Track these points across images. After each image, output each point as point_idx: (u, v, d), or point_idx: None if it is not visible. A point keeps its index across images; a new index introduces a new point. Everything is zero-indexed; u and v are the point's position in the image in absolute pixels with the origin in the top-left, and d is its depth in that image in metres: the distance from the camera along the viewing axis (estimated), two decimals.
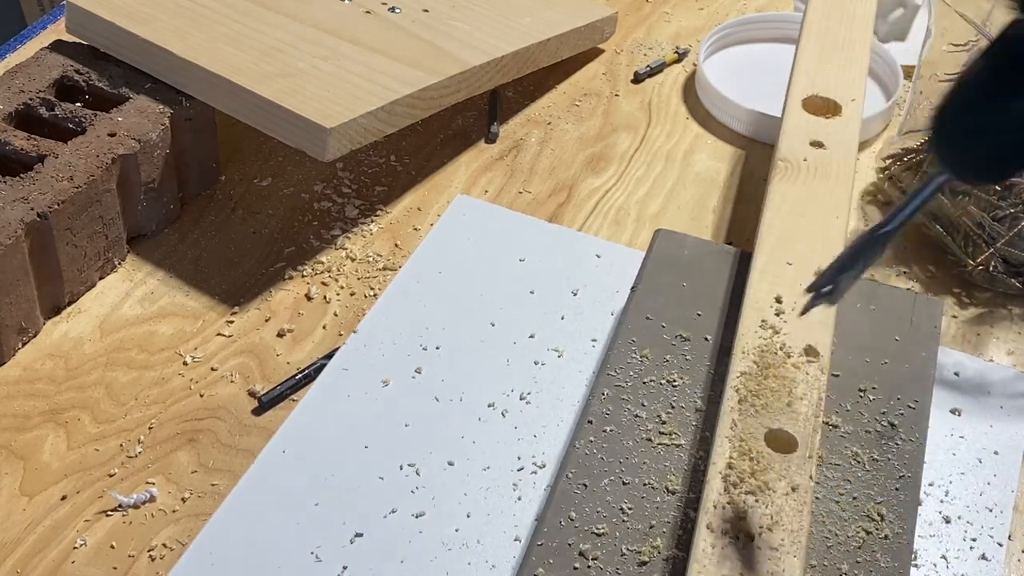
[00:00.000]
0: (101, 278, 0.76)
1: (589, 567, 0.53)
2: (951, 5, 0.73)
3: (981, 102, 0.42)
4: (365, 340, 0.70)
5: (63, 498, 0.62)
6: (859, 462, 0.58)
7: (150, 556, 0.60)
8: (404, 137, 0.88)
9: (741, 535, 0.50)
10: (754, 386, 0.56)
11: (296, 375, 0.69)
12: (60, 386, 0.69)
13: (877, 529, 0.55)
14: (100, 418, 0.67)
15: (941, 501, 0.61)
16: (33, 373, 0.69)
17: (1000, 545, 0.59)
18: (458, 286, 0.74)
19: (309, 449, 0.64)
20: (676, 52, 0.98)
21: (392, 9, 0.88)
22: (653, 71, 0.96)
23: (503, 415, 0.66)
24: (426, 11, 0.89)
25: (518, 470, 0.63)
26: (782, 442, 0.54)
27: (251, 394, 0.68)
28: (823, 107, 0.74)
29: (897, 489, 0.57)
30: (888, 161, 0.83)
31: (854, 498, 0.56)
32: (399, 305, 0.73)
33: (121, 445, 0.65)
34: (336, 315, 0.73)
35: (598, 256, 0.77)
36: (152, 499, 0.62)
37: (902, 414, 0.60)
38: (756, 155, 0.88)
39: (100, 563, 0.59)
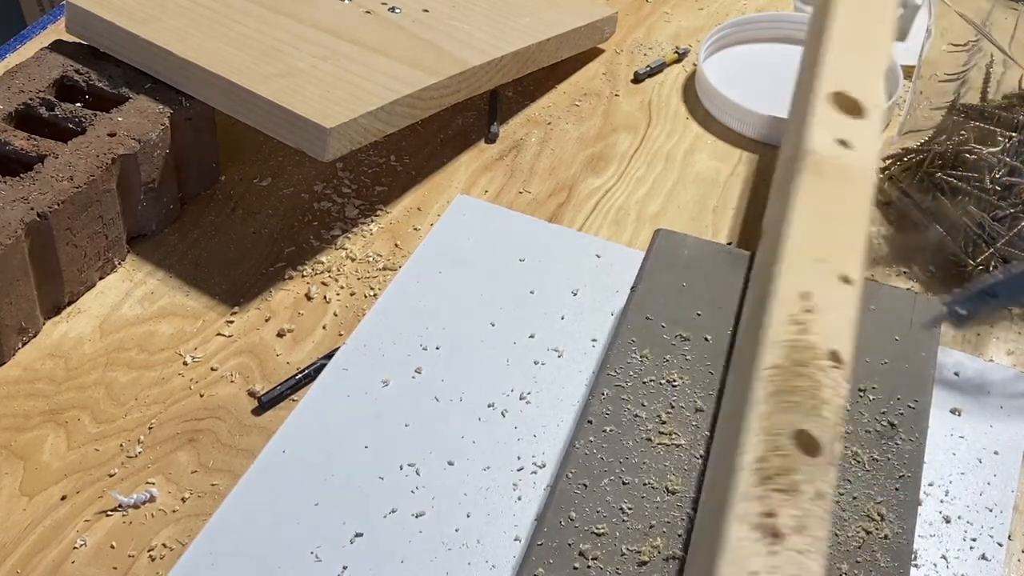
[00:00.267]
0: (101, 278, 0.76)
1: (589, 567, 0.53)
2: (951, 5, 0.73)
3: None
4: (365, 340, 0.70)
5: (63, 498, 0.62)
6: (859, 462, 0.58)
7: (150, 556, 0.60)
8: (404, 137, 0.88)
9: (768, 533, 0.49)
10: (783, 382, 0.54)
11: (296, 375, 0.69)
12: (60, 386, 0.69)
13: (877, 529, 0.55)
14: (100, 418, 0.67)
15: (941, 501, 0.61)
16: (33, 373, 0.69)
17: (1000, 545, 0.59)
18: (458, 286, 0.74)
19: (309, 449, 0.64)
20: (676, 52, 0.98)
21: (392, 9, 0.88)
22: (653, 71, 0.96)
23: (503, 415, 0.66)
24: (426, 11, 0.89)
25: (518, 470, 0.63)
26: (807, 444, 0.52)
27: (251, 394, 0.68)
28: (849, 106, 0.72)
29: (897, 489, 0.57)
30: (888, 161, 0.83)
31: (854, 498, 0.56)
32: (399, 305, 0.72)
33: (121, 445, 0.65)
34: (336, 315, 0.73)
35: (598, 256, 0.77)
36: (152, 499, 0.62)
37: (902, 414, 0.60)
38: (756, 155, 0.88)
39: (100, 563, 0.59)
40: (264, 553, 0.58)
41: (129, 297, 0.75)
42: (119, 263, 0.77)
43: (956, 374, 0.69)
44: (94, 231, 0.73)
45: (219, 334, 0.72)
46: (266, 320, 0.73)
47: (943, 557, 0.59)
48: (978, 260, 0.74)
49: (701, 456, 0.58)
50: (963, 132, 0.75)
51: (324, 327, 0.73)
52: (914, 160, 0.80)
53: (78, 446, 0.65)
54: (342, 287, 0.75)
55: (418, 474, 0.62)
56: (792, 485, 0.50)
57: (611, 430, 0.59)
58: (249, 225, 0.80)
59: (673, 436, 0.59)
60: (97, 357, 0.70)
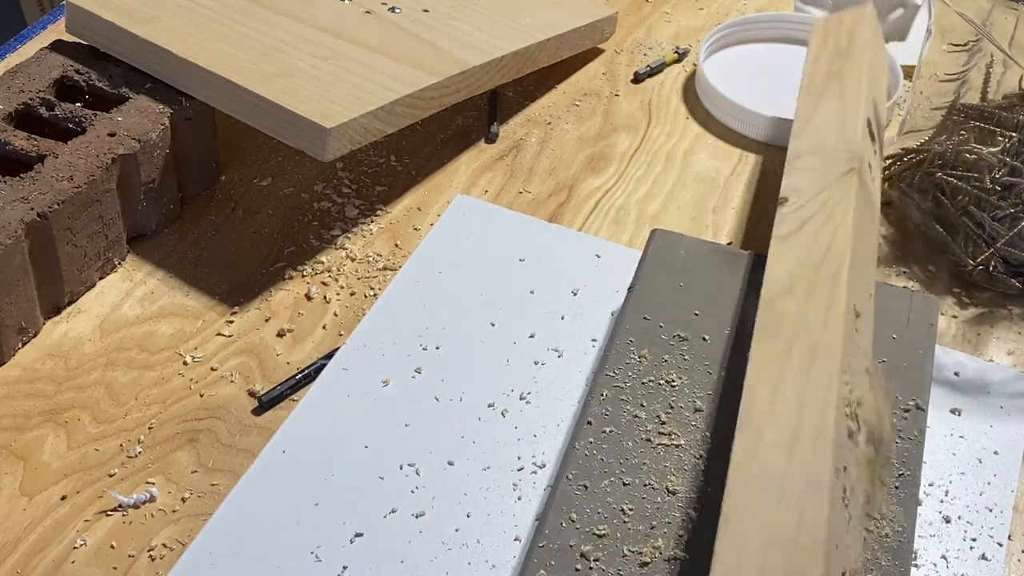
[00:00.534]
0: (101, 278, 0.76)
1: (591, 568, 0.53)
2: (951, 5, 0.73)
3: None
4: (365, 340, 0.70)
5: (63, 498, 0.62)
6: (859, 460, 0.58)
7: (150, 556, 0.60)
8: (404, 137, 0.88)
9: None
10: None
11: (296, 375, 0.69)
12: (60, 386, 0.69)
13: (877, 528, 0.55)
14: (100, 418, 0.67)
15: (941, 501, 0.61)
16: (33, 373, 0.69)
17: (1000, 545, 0.59)
18: (458, 286, 0.74)
19: (309, 449, 0.64)
20: (676, 52, 0.98)
21: (392, 9, 0.88)
22: (653, 71, 0.96)
23: (503, 415, 0.66)
24: (426, 11, 0.89)
25: (518, 470, 0.63)
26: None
27: (251, 394, 0.68)
28: (871, 134, 0.72)
29: (896, 487, 0.57)
30: (888, 161, 0.83)
31: None
32: (399, 305, 0.73)
33: (121, 445, 0.65)
34: (336, 315, 0.73)
35: (598, 256, 0.77)
36: (152, 499, 0.62)
37: (900, 412, 0.60)
38: (757, 155, 0.88)
39: (100, 563, 0.59)
40: (264, 553, 0.59)
41: (129, 297, 0.75)
42: (119, 263, 0.77)
43: (956, 374, 0.69)
44: (94, 231, 0.73)
45: (219, 334, 0.72)
46: (266, 320, 0.73)
47: (943, 557, 0.59)
48: (978, 260, 0.74)
49: (701, 456, 0.58)
50: (963, 132, 0.75)
51: (324, 327, 0.73)
52: (914, 160, 0.80)
53: (78, 446, 0.65)
54: (342, 287, 0.75)
55: (418, 474, 0.62)
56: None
57: (611, 431, 0.59)
58: (249, 225, 0.80)
59: (673, 436, 0.59)
60: (97, 357, 0.70)
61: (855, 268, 0.60)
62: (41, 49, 0.81)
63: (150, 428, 0.66)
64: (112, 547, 0.60)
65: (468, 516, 0.60)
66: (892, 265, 0.78)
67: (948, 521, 0.60)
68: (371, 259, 0.77)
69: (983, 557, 0.59)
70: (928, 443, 0.62)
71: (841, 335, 0.54)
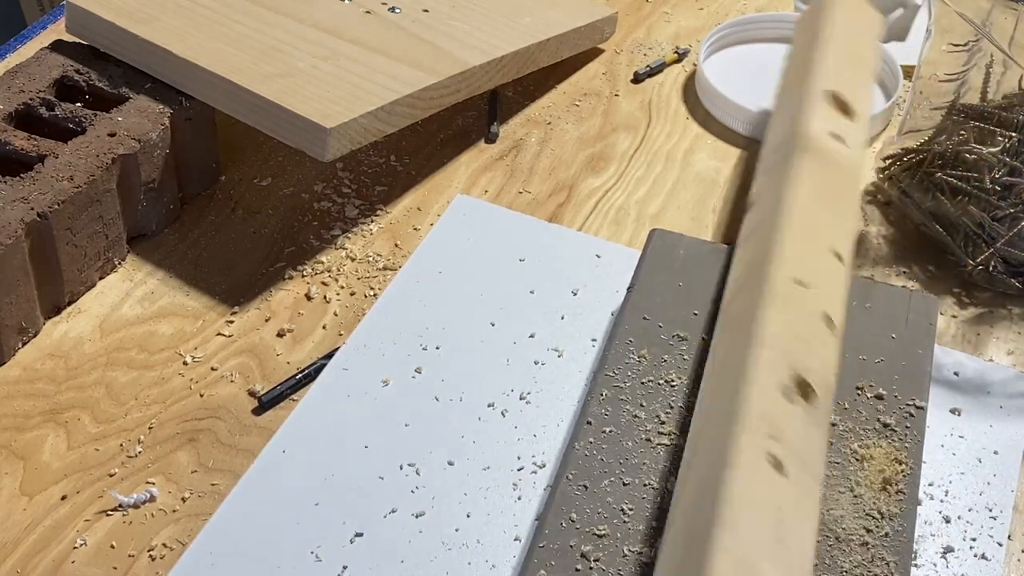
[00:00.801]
0: (101, 278, 0.76)
1: (591, 568, 0.53)
2: (951, 5, 0.73)
3: None
4: (365, 340, 0.70)
5: (63, 498, 0.62)
6: (858, 460, 0.58)
7: (150, 556, 0.60)
8: (404, 137, 0.88)
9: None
10: (783, 334, 0.56)
11: (296, 375, 0.69)
12: (60, 386, 0.69)
13: (877, 527, 0.55)
14: (100, 418, 0.67)
15: (941, 501, 0.61)
16: (33, 373, 0.69)
17: (1000, 545, 0.59)
18: (458, 286, 0.74)
19: (309, 449, 0.64)
20: (676, 52, 0.98)
21: (392, 9, 0.88)
22: (653, 71, 0.96)
23: (503, 415, 0.66)
24: (426, 11, 0.89)
25: (518, 470, 0.63)
26: (804, 390, 0.54)
27: (251, 394, 0.68)
28: (842, 106, 0.72)
29: (897, 487, 0.57)
30: (888, 161, 0.83)
31: (854, 496, 0.56)
32: (399, 305, 0.73)
33: (121, 445, 0.65)
34: (336, 315, 0.73)
35: (598, 256, 0.77)
36: (152, 499, 0.62)
37: (899, 411, 0.60)
38: (756, 155, 0.88)
39: (100, 563, 0.59)
40: (264, 553, 0.59)
41: (129, 297, 0.75)
42: (119, 263, 0.77)
43: (956, 374, 0.69)
44: (94, 231, 0.73)
45: (219, 334, 0.72)
46: (266, 320, 0.73)
47: (943, 557, 0.59)
48: (978, 260, 0.74)
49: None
50: (963, 132, 0.75)
51: (324, 327, 0.73)
52: (914, 160, 0.80)
53: (78, 446, 0.65)
54: (342, 287, 0.75)
55: (418, 474, 0.62)
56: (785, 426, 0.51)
57: (611, 431, 0.59)
58: (249, 225, 0.80)
59: (672, 436, 0.59)
60: (97, 357, 0.70)
61: (792, 234, 0.61)
62: (41, 49, 0.81)
63: (150, 428, 0.66)
64: (112, 547, 0.60)
65: (468, 516, 0.60)
66: (892, 265, 0.78)
67: (948, 521, 0.60)
68: (371, 259, 0.77)
69: (983, 557, 0.59)
70: (928, 443, 0.62)
71: (777, 324, 0.55)
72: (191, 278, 0.76)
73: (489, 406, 0.66)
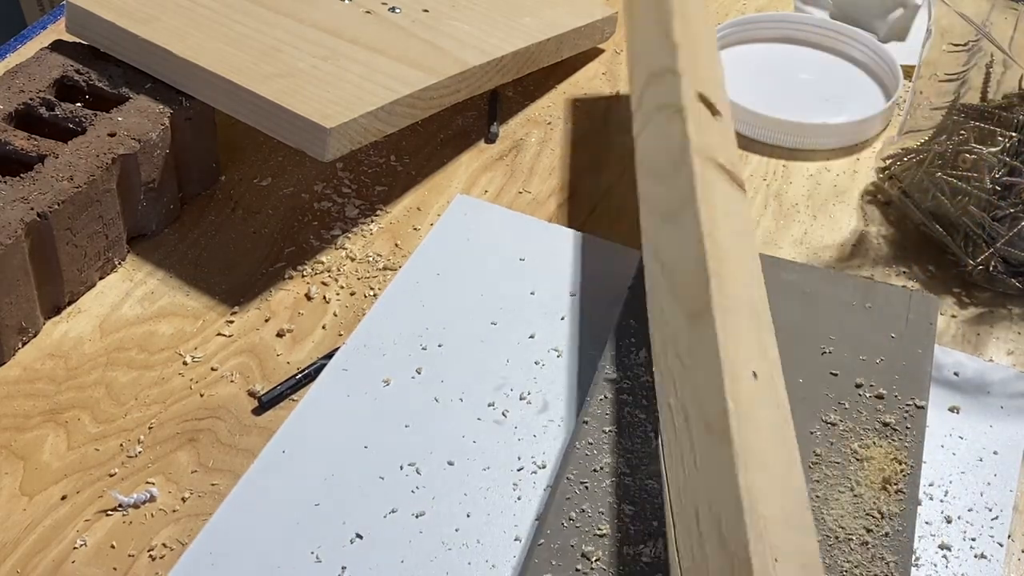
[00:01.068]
0: (101, 278, 0.76)
1: (591, 568, 0.53)
2: (951, 5, 0.73)
3: None
4: (365, 340, 0.70)
5: (63, 498, 0.62)
6: (858, 459, 0.58)
7: (150, 556, 0.60)
8: (404, 137, 0.88)
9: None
10: None
11: (296, 375, 0.69)
12: (60, 386, 0.69)
13: (877, 527, 0.55)
14: (100, 418, 0.67)
15: (941, 501, 0.61)
16: (33, 373, 0.69)
17: (1000, 545, 0.59)
18: (458, 286, 0.74)
19: (309, 449, 0.64)
20: None
21: (392, 9, 0.88)
22: None
23: (503, 415, 0.66)
24: (426, 11, 0.89)
25: (518, 470, 0.63)
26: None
27: (251, 394, 0.68)
28: (709, 107, 0.70)
29: (897, 487, 0.57)
30: (888, 161, 0.83)
31: (854, 495, 0.56)
32: (399, 305, 0.73)
33: (121, 445, 0.65)
34: (336, 315, 0.73)
35: (598, 256, 0.77)
36: (152, 499, 0.62)
37: (899, 411, 0.60)
38: (756, 155, 0.88)
39: (100, 563, 0.59)
40: (264, 553, 0.59)
41: (129, 297, 0.75)
42: (119, 263, 0.77)
43: (956, 374, 0.69)
44: (94, 231, 0.73)
45: (219, 334, 0.72)
46: (266, 320, 0.73)
47: (943, 557, 0.59)
48: (978, 260, 0.74)
49: None
50: (963, 132, 0.75)
51: (324, 327, 0.73)
52: (914, 160, 0.80)
53: (78, 446, 0.65)
54: (342, 287, 0.75)
55: (418, 474, 0.62)
56: None
57: (611, 430, 0.59)
58: (249, 225, 0.80)
59: None
60: (97, 357, 0.70)
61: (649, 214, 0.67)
62: (41, 49, 0.81)
63: (150, 428, 0.66)
64: (112, 547, 0.60)
65: (468, 516, 0.60)
66: (892, 265, 0.78)
67: (948, 521, 0.60)
68: (371, 259, 0.77)
69: (983, 557, 0.59)
70: (928, 443, 0.62)
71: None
72: (191, 278, 0.76)
73: (489, 406, 0.66)
